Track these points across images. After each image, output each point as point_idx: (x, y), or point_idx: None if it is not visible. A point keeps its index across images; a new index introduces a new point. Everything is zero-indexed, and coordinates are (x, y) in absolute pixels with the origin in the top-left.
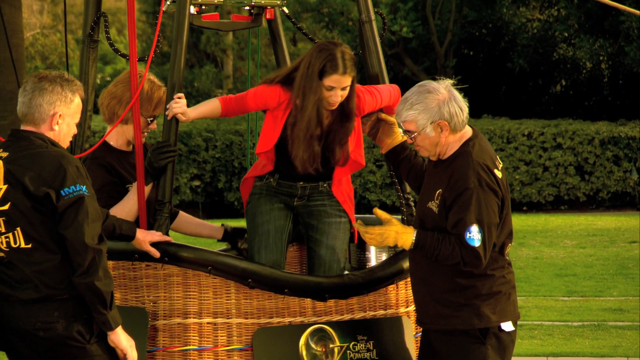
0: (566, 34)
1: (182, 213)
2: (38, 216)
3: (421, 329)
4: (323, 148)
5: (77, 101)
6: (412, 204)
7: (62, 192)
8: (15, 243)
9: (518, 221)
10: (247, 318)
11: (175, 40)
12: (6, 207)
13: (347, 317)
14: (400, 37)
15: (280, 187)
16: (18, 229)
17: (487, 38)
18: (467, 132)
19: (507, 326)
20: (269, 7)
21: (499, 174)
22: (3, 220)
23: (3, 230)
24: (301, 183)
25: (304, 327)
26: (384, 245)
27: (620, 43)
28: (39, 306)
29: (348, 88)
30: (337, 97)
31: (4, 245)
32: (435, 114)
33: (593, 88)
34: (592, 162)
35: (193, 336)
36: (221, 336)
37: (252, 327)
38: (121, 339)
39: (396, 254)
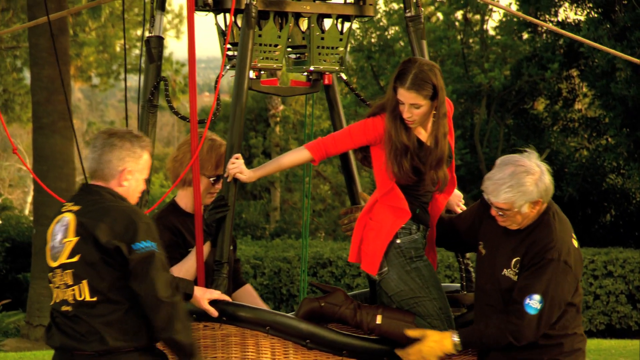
0: (615, 164)
1: (248, 286)
2: (106, 268)
3: None
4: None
5: (145, 157)
6: (471, 270)
7: (133, 246)
8: (80, 296)
9: None
10: None
11: (234, 103)
12: (75, 259)
13: None
14: None
15: (422, 238)
16: (84, 281)
17: None
18: None
19: None
20: (327, 73)
21: (575, 243)
22: (72, 272)
23: (70, 282)
24: (427, 231)
25: None
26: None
27: None
28: (103, 359)
29: (422, 108)
30: (405, 112)
31: (71, 298)
32: (534, 195)
33: None
34: None
35: None
36: None
37: None
38: None
39: (456, 318)
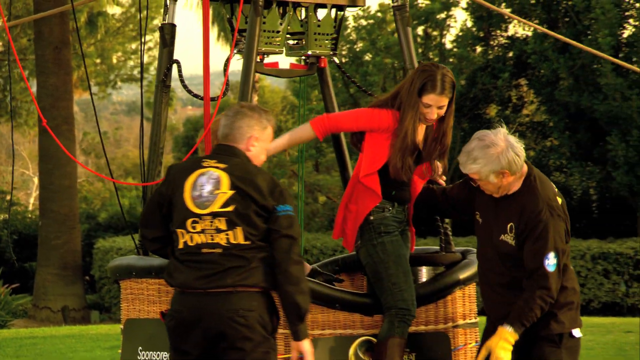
0: (558, 163)
1: None
2: (257, 219)
3: (464, 344)
4: (417, 161)
5: (269, 130)
6: (449, 233)
7: (278, 207)
8: (235, 239)
9: None
10: None
11: (242, 82)
12: (230, 209)
13: None
14: None
15: (397, 214)
16: (239, 228)
17: None
18: (524, 168)
19: (577, 332)
20: (322, 57)
21: (559, 199)
22: (226, 219)
23: (224, 228)
24: (405, 206)
25: (352, 338)
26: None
27: (607, 169)
28: (241, 296)
29: (445, 107)
30: (434, 114)
31: (224, 241)
32: (497, 165)
33: (584, 210)
34: (585, 275)
35: None
36: (279, 345)
37: None
38: (306, 347)
39: (436, 275)
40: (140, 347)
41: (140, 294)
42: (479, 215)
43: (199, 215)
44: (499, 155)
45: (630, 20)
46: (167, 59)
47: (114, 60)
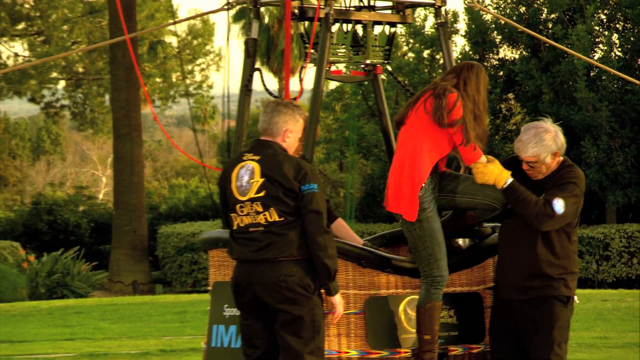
0: None
1: (340, 220)
2: (285, 199)
3: (492, 303)
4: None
5: (301, 122)
6: None
7: (302, 187)
8: (271, 218)
9: None
10: (360, 290)
11: (315, 86)
12: (262, 194)
13: None
14: None
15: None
16: (272, 208)
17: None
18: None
19: (576, 298)
20: (378, 65)
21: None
22: (260, 203)
23: (261, 210)
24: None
25: (403, 297)
26: (485, 180)
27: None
28: (282, 264)
29: None
30: None
31: (263, 220)
32: (554, 147)
33: None
34: None
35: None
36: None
37: (364, 297)
38: (337, 300)
39: (471, 246)
40: (226, 305)
41: (225, 260)
42: None
43: (242, 202)
44: (554, 138)
45: (600, 45)
46: (250, 67)
47: (174, 79)
